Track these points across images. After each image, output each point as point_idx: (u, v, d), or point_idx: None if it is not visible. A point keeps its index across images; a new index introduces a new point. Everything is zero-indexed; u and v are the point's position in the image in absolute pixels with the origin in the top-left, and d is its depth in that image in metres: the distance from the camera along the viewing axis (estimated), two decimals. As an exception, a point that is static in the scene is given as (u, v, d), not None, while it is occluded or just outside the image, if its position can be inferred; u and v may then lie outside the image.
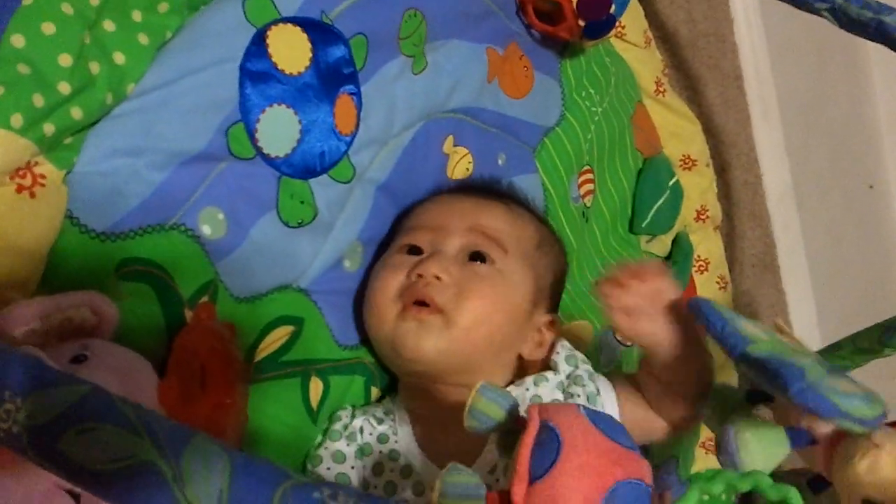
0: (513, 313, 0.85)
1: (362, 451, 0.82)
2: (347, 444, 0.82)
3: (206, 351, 0.68)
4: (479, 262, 0.85)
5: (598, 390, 0.83)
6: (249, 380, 0.76)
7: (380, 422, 0.84)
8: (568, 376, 0.84)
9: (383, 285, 0.85)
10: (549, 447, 0.54)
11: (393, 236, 0.92)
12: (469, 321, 0.82)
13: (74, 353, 0.58)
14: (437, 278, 0.82)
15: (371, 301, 0.86)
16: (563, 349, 0.87)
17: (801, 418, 0.66)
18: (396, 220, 0.93)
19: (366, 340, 0.90)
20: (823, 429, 0.65)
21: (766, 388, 0.59)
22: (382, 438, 0.83)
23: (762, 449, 0.65)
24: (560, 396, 0.83)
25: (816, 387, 0.55)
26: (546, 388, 0.83)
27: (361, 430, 0.83)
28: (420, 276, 0.83)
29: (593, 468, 0.53)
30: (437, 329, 0.81)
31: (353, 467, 0.82)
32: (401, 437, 0.84)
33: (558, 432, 0.54)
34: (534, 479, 0.53)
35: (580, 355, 0.87)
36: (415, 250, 0.87)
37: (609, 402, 0.83)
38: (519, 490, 0.53)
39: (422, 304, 0.82)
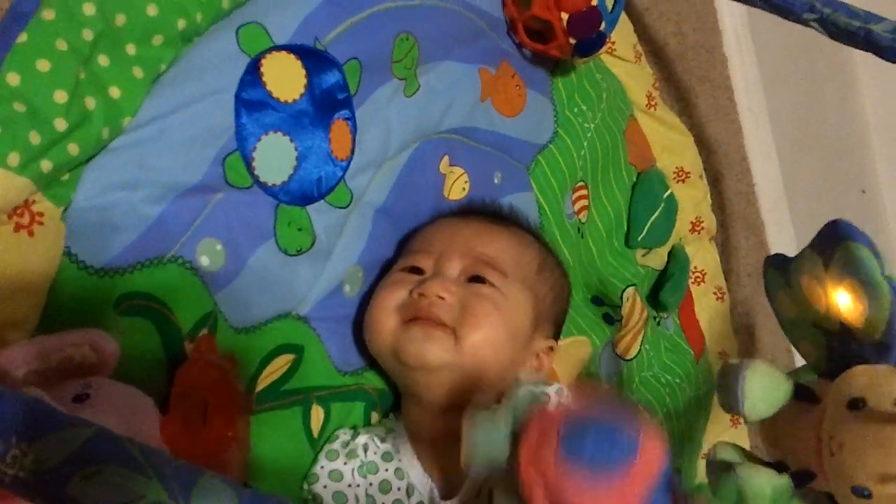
0: (515, 334, 0.85)
1: (367, 470, 0.82)
2: (345, 463, 0.82)
3: (207, 385, 0.67)
4: (479, 284, 0.85)
5: None
6: (251, 411, 0.75)
7: (382, 440, 0.84)
8: None
9: (383, 301, 0.85)
10: None
11: (395, 259, 0.92)
12: (477, 339, 0.81)
13: (76, 391, 0.58)
14: (441, 298, 0.82)
15: (370, 316, 0.86)
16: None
17: None
18: (400, 243, 0.93)
19: (367, 366, 0.89)
20: None
21: None
22: (387, 457, 0.83)
23: (765, 394, 0.66)
24: None
25: None
26: None
27: (365, 447, 0.83)
28: (422, 295, 0.83)
29: None
30: (445, 341, 0.81)
31: (350, 485, 0.81)
32: (403, 455, 0.83)
33: None
34: None
35: None
36: (416, 271, 0.87)
37: None
38: None
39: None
